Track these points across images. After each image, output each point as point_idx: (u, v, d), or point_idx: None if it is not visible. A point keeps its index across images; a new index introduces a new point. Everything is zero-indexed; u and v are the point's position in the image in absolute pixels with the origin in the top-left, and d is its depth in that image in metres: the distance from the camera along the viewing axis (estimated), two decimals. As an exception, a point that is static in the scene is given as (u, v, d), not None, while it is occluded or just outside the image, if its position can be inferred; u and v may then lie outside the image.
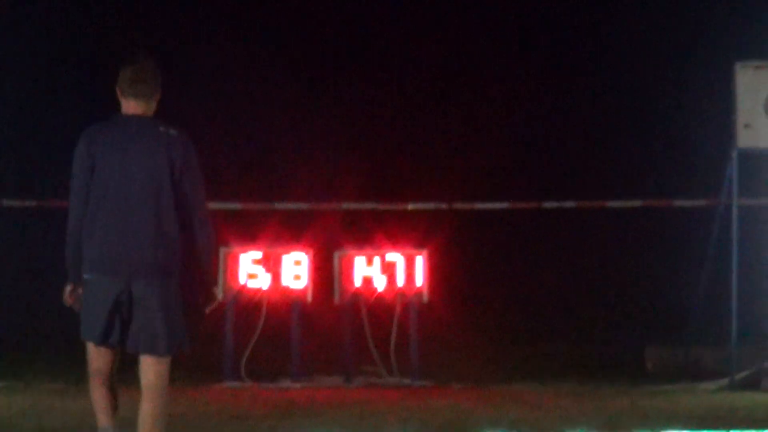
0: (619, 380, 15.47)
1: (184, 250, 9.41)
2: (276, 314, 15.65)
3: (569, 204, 17.75)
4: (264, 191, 15.63)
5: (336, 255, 15.53)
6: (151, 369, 9.06)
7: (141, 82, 9.25)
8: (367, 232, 16.47)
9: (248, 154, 15.12)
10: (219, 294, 10.70)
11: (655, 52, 21.66)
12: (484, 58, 24.60)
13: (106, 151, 9.09)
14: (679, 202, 17.25)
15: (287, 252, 15.50)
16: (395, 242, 15.98)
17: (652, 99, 21.57)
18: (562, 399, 14.41)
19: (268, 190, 15.93)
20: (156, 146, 9.23)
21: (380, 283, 15.41)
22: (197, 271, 9.56)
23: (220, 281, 15.10)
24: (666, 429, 12.05)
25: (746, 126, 15.40)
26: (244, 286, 15.06)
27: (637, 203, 17.74)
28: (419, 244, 15.90)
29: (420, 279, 15.42)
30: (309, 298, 15.42)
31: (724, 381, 14.34)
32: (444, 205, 17.05)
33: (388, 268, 15.51)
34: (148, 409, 8.97)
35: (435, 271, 15.91)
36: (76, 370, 14.46)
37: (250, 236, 15.76)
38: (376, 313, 15.67)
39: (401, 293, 15.43)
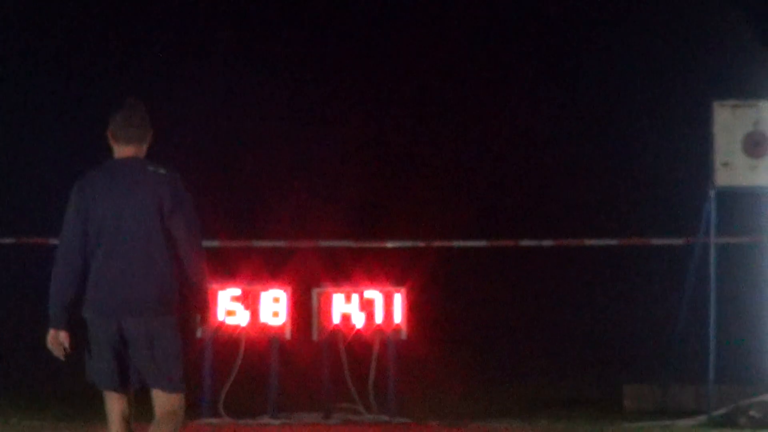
0: (596, 418, 15.36)
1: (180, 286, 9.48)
2: (254, 351, 15.42)
3: (547, 242, 17.91)
4: (243, 229, 15.53)
5: (314, 292, 15.33)
6: (167, 403, 8.96)
7: (131, 126, 9.26)
8: (346, 270, 16.24)
9: (227, 192, 15.05)
10: (198, 332, 10.60)
11: (633, 91, 22.00)
12: (461, 99, 24.99)
13: (98, 197, 9.12)
14: (656, 241, 17.43)
15: (266, 289, 15.30)
16: (374, 279, 15.72)
17: (630, 138, 22.08)
18: None
19: (247, 228, 15.78)
20: (144, 187, 9.20)
21: (359, 320, 15.21)
22: (186, 306, 9.55)
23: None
24: None
25: (724, 164, 15.39)
26: (223, 322, 14.80)
27: (614, 242, 17.72)
28: (398, 282, 15.66)
29: (398, 316, 15.21)
30: (287, 334, 15.23)
31: (702, 418, 14.26)
32: (422, 243, 17.07)
33: (367, 305, 15.27)
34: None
35: (413, 308, 15.70)
36: (51, 407, 14.55)
37: (229, 274, 15.51)
38: (354, 349, 15.43)
39: (380, 330, 15.27)
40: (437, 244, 17.46)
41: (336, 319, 15.22)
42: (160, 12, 26.74)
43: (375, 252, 16.99)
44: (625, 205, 20.36)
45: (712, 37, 20.75)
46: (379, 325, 15.24)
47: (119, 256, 9.00)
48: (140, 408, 8.59)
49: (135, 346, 8.92)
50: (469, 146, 24.14)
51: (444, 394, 16.49)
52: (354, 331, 15.27)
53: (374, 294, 15.31)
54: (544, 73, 24.99)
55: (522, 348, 19.93)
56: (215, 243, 15.76)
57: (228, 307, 15.00)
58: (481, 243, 17.87)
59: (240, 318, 15.14)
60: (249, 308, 15.21)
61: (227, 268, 15.67)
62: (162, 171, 9.15)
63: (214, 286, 13.86)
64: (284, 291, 15.26)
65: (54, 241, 16.40)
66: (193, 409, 14.16)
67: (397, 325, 15.22)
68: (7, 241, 17.13)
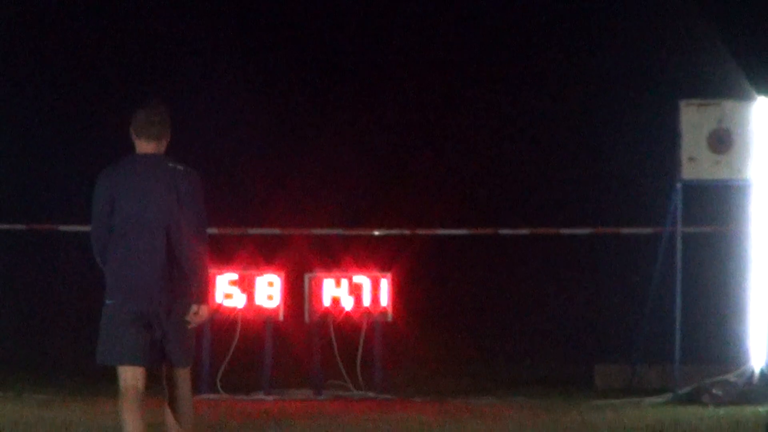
0: (569, 395, 15.46)
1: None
2: (250, 331, 15.70)
3: (524, 231, 18.18)
4: (239, 217, 15.74)
5: (306, 277, 15.63)
6: (183, 380, 9.71)
7: (152, 124, 9.82)
8: (336, 256, 16.40)
9: (224, 182, 15.28)
10: (204, 313, 10.77)
11: (607, 91, 21.83)
12: (444, 99, 25.02)
13: (122, 190, 9.74)
14: (626, 230, 17.65)
15: (261, 274, 15.59)
16: (362, 265, 16.05)
17: (603, 134, 21.87)
18: (517, 412, 14.41)
19: (243, 217, 15.96)
20: (165, 182, 9.79)
21: (348, 304, 15.49)
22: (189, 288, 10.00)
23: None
24: None
25: (690, 159, 15.62)
26: (221, 305, 15.08)
27: (587, 231, 17.97)
28: (384, 268, 16.01)
29: (385, 299, 15.51)
30: (281, 316, 15.49)
31: (668, 396, 14.52)
32: (407, 231, 17.33)
33: (355, 290, 15.59)
34: (180, 408, 9.60)
35: (399, 292, 15.89)
36: (60, 382, 15.27)
37: (226, 259, 15.75)
38: (343, 331, 15.72)
39: (367, 313, 15.53)
40: (421, 232, 17.71)
41: (326, 303, 15.50)
42: (172, 15, 26.30)
43: (363, 240, 17.18)
44: (597, 196, 20.54)
45: (680, 40, 20.69)
46: (366, 308, 15.48)
47: (143, 246, 9.62)
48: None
49: (156, 326, 9.56)
50: (452, 140, 24.24)
51: (427, 373, 16.78)
52: (343, 314, 15.50)
53: (362, 279, 15.63)
54: (523, 73, 25.05)
55: (500, 330, 19.82)
56: (214, 230, 15.21)
57: (225, 290, 15.26)
58: (463, 231, 18.11)
59: (237, 301, 15.40)
60: (245, 292, 15.48)
61: (225, 254, 15.89)
62: (180, 167, 9.69)
63: (213, 270, 14.05)
64: (278, 276, 15.55)
65: (63, 228, 16.68)
66: (192, 385, 14.56)
67: (384, 308, 15.49)
68: (18, 227, 17.10)
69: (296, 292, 15.71)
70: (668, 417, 13.34)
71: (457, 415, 14.00)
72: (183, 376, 9.73)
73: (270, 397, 15.11)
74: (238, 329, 15.48)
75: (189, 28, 26.64)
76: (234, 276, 15.38)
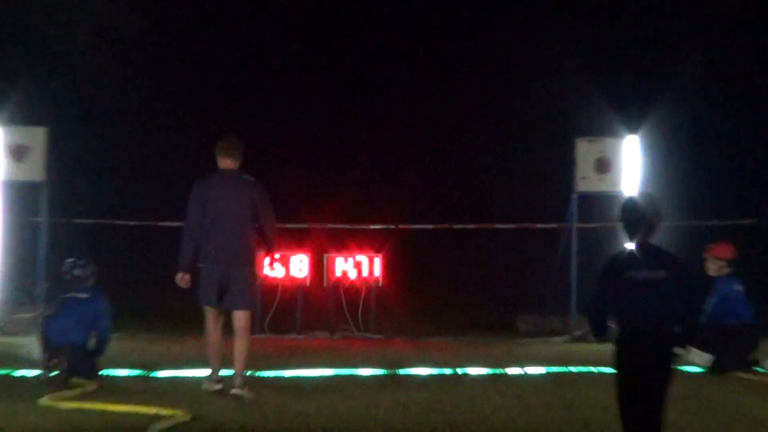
0: (500, 335, 16.22)
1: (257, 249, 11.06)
2: (287, 293, 16.37)
3: (471, 225, 18.94)
4: (280, 215, 16.30)
5: (324, 257, 16.35)
6: (242, 319, 10.58)
7: (234, 148, 10.70)
8: (344, 243, 17.01)
9: (269, 191, 15.94)
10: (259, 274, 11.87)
11: (533, 132, 21.68)
12: (413, 139, 24.53)
13: (212, 193, 10.58)
14: (540, 225, 18.15)
15: (294, 254, 16.28)
16: (362, 249, 16.63)
17: (530, 157, 22.05)
18: (464, 346, 15.15)
19: (283, 215, 16.12)
20: (241, 189, 10.66)
21: (352, 274, 16.29)
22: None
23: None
24: (529, 366, 12.35)
25: (582, 178, 16.10)
26: (267, 275, 15.74)
27: (514, 225, 18.69)
28: (377, 250, 16.59)
29: (377, 272, 16.27)
30: (308, 283, 16.22)
31: (567, 337, 15.21)
32: (392, 226, 17.74)
33: (357, 265, 16.36)
34: (239, 346, 10.43)
35: (387, 267, 16.58)
36: (160, 325, 15.66)
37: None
38: (349, 293, 16.47)
39: (365, 281, 16.30)
40: (402, 226, 18.02)
41: (338, 274, 16.27)
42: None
43: (362, 231, 17.68)
44: (521, 203, 20.61)
45: (581, 94, 21.16)
46: (365, 278, 16.26)
47: (223, 230, 10.53)
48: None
49: (229, 282, 10.53)
50: (421, 164, 23.92)
51: (405, 321, 17.25)
52: (349, 281, 16.29)
53: (362, 258, 16.36)
54: (475, 106, 24.47)
55: (455, 292, 20.13)
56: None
57: (268, 268, 15.81)
58: (429, 226, 18.75)
59: (278, 272, 16.18)
60: (284, 266, 16.26)
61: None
62: (250, 178, 10.65)
63: (262, 253, 14.43)
64: (306, 255, 16.28)
65: (163, 224, 16.88)
66: (251, 327, 14.87)
67: (377, 277, 16.25)
68: (131, 222, 17.17)
69: (318, 267, 16.40)
70: (566, 351, 13.88)
71: (425, 348, 14.63)
72: (245, 317, 10.56)
73: (300, 336, 15.83)
74: (279, 291, 16.23)
75: (255, 77, 25.99)
76: (277, 256, 15.56)
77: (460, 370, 12.17)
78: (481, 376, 11.86)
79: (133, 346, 13.40)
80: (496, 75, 25.66)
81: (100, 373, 10.86)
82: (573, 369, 11.78)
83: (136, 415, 8.77)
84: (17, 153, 15.10)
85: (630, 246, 6.90)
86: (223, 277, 10.47)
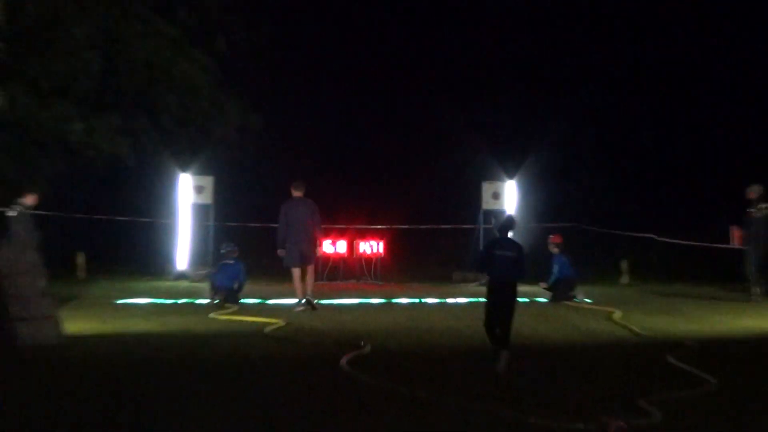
0: (444, 282, 15.62)
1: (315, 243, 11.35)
2: (336, 260, 15.96)
3: (429, 226, 17.80)
4: (327, 220, 14.36)
5: (355, 242, 16.03)
6: (310, 268, 11.20)
7: (300, 186, 11.07)
8: (364, 235, 16.34)
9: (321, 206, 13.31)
10: (317, 252, 11.89)
11: (465, 175, 19.00)
12: (394, 171, 22.33)
13: (291, 210, 11.04)
14: (465, 226, 16.95)
15: (339, 240, 15.97)
16: (373, 237, 16.24)
17: (459, 190, 19.15)
18: (426, 288, 14.60)
19: (329, 219, 14.98)
20: (305, 206, 11.09)
21: (368, 250, 16.04)
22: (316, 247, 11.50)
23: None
24: (458, 298, 12.41)
25: (486, 202, 15.74)
26: (325, 251, 15.22)
27: (451, 226, 17.47)
28: (381, 238, 16.22)
29: (381, 249, 16.04)
30: (345, 255, 16.01)
31: (477, 283, 14.16)
32: (387, 226, 17.05)
33: (371, 247, 16.08)
34: (309, 279, 11.08)
35: (386, 247, 16.18)
36: (270, 278, 14.41)
37: (328, 235, 15.30)
38: (366, 258, 16.04)
39: (375, 254, 16.06)
40: (394, 226, 17.27)
41: (361, 250, 16.02)
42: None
43: (373, 228, 16.80)
44: (457, 213, 18.08)
45: (485, 149, 19.40)
46: (374, 252, 16.05)
47: (297, 228, 10.99)
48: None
49: (302, 252, 11.02)
50: (408, 190, 20.71)
51: (395, 274, 16.48)
52: (366, 255, 16.01)
53: (373, 242, 16.09)
54: (433, 163, 21.93)
55: (422, 260, 18.45)
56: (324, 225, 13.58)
57: (326, 248, 15.34)
58: (406, 226, 17.70)
59: (331, 249, 15.84)
60: (333, 246, 15.93)
61: (328, 233, 15.35)
62: (310, 201, 11.08)
63: (322, 239, 13.67)
64: (344, 241, 15.95)
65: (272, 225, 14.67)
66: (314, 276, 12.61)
67: (380, 252, 16.05)
68: (256, 224, 15.99)
69: (351, 247, 16.03)
70: (476, 290, 13.17)
71: (404, 289, 14.34)
72: (311, 268, 11.22)
73: (342, 282, 15.50)
74: (331, 259, 15.87)
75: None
76: (328, 241, 15.53)
77: (422, 300, 12.33)
78: (434, 303, 12.00)
79: (256, 288, 13.12)
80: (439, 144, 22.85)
81: (240, 301, 11.28)
82: (479, 299, 10.61)
83: (258, 322, 9.32)
84: (198, 189, 15.33)
85: (497, 236, 7.34)
86: (300, 250, 11.07)
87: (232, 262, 11.49)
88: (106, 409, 5.13)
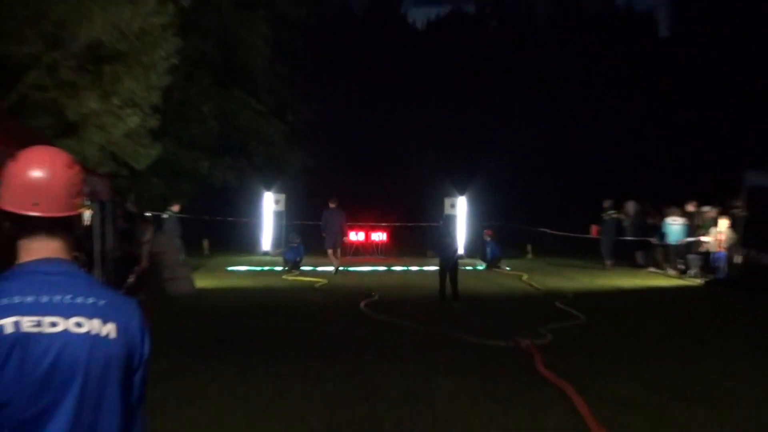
0: (421, 257, 13.32)
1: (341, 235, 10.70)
2: (357, 244, 14.55)
3: (412, 224, 15.43)
4: (354, 218, 13.79)
5: (368, 233, 14.80)
6: (338, 251, 10.55)
7: (333, 201, 10.51)
8: (374, 228, 14.86)
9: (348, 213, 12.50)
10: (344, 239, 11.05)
11: (434, 192, 15.72)
12: (392, 199, 18.90)
13: (328, 216, 10.55)
14: (432, 224, 13.10)
15: (359, 232, 14.65)
16: (380, 230, 14.92)
17: (428, 203, 16.35)
18: (410, 260, 12.97)
19: (357, 218, 14.13)
20: (337, 214, 10.81)
21: (376, 239, 14.78)
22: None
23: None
24: (428, 267, 10.93)
25: (446, 210, 13.75)
26: (350, 239, 14.00)
27: (426, 224, 14.71)
28: (384, 231, 14.95)
29: (385, 238, 14.82)
30: (364, 240, 14.64)
31: (431, 255, 11.51)
32: (388, 224, 15.23)
33: (378, 236, 14.85)
34: (339, 254, 10.42)
35: (388, 236, 14.86)
36: (317, 255, 12.26)
37: (353, 227, 14.08)
38: (376, 243, 14.73)
39: (381, 241, 14.79)
40: (393, 224, 15.30)
41: (372, 238, 14.72)
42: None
43: (380, 225, 15.00)
44: (428, 216, 14.83)
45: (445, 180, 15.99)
46: (381, 240, 14.75)
47: (332, 227, 10.62)
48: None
49: (335, 239, 10.54)
50: (401, 198, 18.59)
51: (392, 252, 14.59)
52: (375, 241, 14.70)
53: (380, 233, 14.80)
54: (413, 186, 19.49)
55: (408, 244, 15.26)
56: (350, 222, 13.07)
57: (351, 236, 14.01)
58: (399, 224, 15.44)
59: (354, 237, 14.43)
60: (356, 235, 14.55)
61: (353, 227, 14.02)
62: (341, 209, 10.79)
63: (348, 230, 12.96)
64: (363, 232, 14.74)
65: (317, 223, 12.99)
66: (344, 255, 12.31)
67: (384, 239, 14.73)
68: (309, 223, 13.52)
69: (367, 236, 14.80)
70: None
71: (397, 262, 12.98)
72: (339, 251, 10.68)
73: (360, 257, 13.81)
74: (354, 244, 14.42)
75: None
76: (353, 233, 14.32)
77: (408, 268, 11.75)
78: (415, 270, 11.43)
79: (311, 260, 11.96)
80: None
81: (300, 268, 10.86)
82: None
83: (310, 281, 9.22)
84: (275, 201, 14.40)
85: (443, 229, 7.04)
86: (333, 239, 10.77)
87: (295, 245, 11.31)
88: (226, 326, 5.96)
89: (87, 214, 6.75)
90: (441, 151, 20.68)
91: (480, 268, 11.88)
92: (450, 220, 7.77)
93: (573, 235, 13.12)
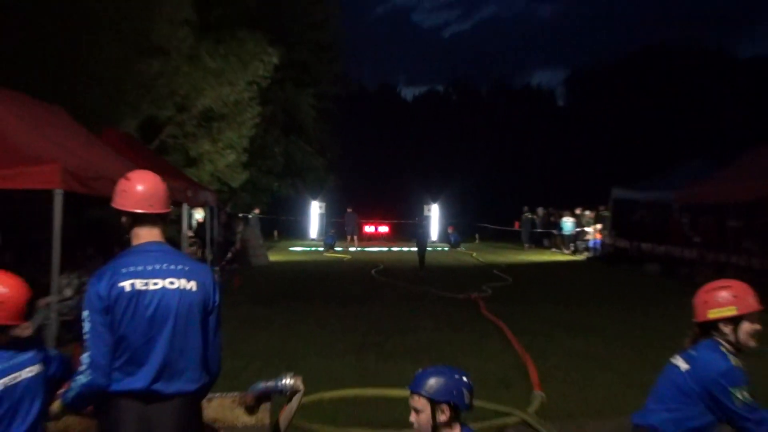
0: (412, 241, 10.57)
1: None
2: (369, 234, 12.72)
3: (406, 221, 13.14)
4: (367, 216, 12.67)
5: (376, 226, 13.15)
6: (355, 238, 9.45)
7: (350, 207, 9.45)
8: (381, 223, 13.17)
9: (360, 215, 11.51)
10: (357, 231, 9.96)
11: (417, 200, 13.13)
12: (393, 206, 14.54)
13: (347, 217, 9.96)
14: (415, 222, 10.26)
15: (370, 225, 12.99)
16: (385, 224, 13.27)
17: (413, 210, 12.91)
18: (404, 244, 11.56)
19: (370, 215, 12.85)
20: (353, 215, 10.31)
21: (384, 231, 13.16)
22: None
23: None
24: (415, 248, 8.51)
25: (424, 212, 12.06)
26: (366, 231, 12.65)
27: (411, 220, 11.78)
28: (388, 225, 13.31)
29: (388, 230, 13.22)
30: (374, 232, 13.00)
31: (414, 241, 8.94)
32: (388, 221, 13.25)
33: (384, 228, 13.22)
34: (356, 241, 9.39)
35: (390, 229, 13.19)
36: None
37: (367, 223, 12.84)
38: (382, 234, 13.03)
39: (387, 232, 13.17)
40: (392, 221, 13.33)
41: (381, 230, 13.17)
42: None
43: (387, 222, 13.24)
44: (415, 214, 11.92)
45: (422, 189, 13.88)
46: (385, 231, 13.18)
47: (350, 225, 9.95)
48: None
49: (354, 230, 9.83)
50: (398, 204, 14.80)
51: (393, 238, 12.65)
52: (382, 233, 13.08)
53: (385, 227, 13.23)
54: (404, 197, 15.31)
55: (403, 233, 12.86)
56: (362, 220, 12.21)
57: (367, 228, 12.70)
58: (397, 220, 13.48)
59: (368, 229, 12.85)
60: (369, 227, 13.00)
61: (367, 223, 12.73)
62: (355, 212, 10.20)
63: (363, 223, 11.89)
64: (373, 226, 13.13)
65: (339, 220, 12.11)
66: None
67: (388, 231, 13.18)
68: (338, 220, 11.98)
69: (376, 229, 13.09)
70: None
71: (396, 245, 11.63)
72: (356, 238, 9.76)
73: (370, 242, 12.21)
74: (369, 233, 12.77)
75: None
76: (367, 226, 12.86)
77: (402, 248, 10.95)
78: (407, 249, 10.58)
79: (341, 244, 10.87)
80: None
81: (334, 249, 10.17)
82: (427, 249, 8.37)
83: (340, 257, 8.82)
84: (319, 207, 12.85)
85: (420, 224, 7.09)
86: (351, 231, 10.39)
87: (331, 234, 10.94)
88: (288, 284, 5.99)
89: (201, 214, 7.13)
90: (422, 173, 19.13)
91: (446, 249, 11.47)
92: (426, 219, 7.46)
93: (504, 228, 13.09)
